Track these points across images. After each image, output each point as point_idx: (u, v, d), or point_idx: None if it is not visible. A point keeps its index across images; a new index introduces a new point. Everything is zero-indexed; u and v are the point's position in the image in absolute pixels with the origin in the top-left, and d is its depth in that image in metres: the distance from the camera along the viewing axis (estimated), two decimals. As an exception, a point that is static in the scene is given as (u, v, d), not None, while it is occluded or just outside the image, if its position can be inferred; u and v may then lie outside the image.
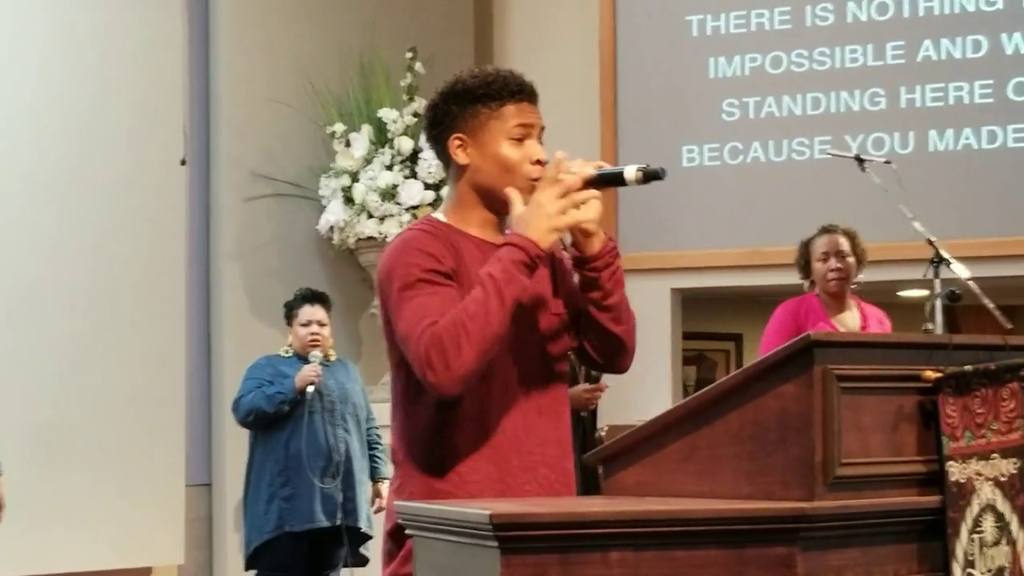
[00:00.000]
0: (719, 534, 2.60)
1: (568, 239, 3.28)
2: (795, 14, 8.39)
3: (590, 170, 3.15)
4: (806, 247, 6.52)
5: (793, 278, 6.74)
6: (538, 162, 3.21)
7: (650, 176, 3.13)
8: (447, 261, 3.13)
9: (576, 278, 3.31)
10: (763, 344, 6.50)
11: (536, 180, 3.18)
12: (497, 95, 3.22)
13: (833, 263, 6.38)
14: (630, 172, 3.14)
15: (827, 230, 6.48)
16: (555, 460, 3.24)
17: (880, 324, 6.54)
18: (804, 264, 6.53)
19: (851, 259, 6.40)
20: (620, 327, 3.31)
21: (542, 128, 3.28)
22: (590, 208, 3.17)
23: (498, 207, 3.25)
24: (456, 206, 3.27)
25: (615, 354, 3.35)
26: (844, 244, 6.40)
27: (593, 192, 3.15)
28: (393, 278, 3.13)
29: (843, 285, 6.39)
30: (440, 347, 2.98)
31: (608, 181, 3.20)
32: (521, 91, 3.24)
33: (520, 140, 3.22)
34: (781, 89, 8.37)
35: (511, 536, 2.52)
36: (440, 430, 3.16)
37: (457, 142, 3.23)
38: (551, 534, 2.54)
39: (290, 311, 7.05)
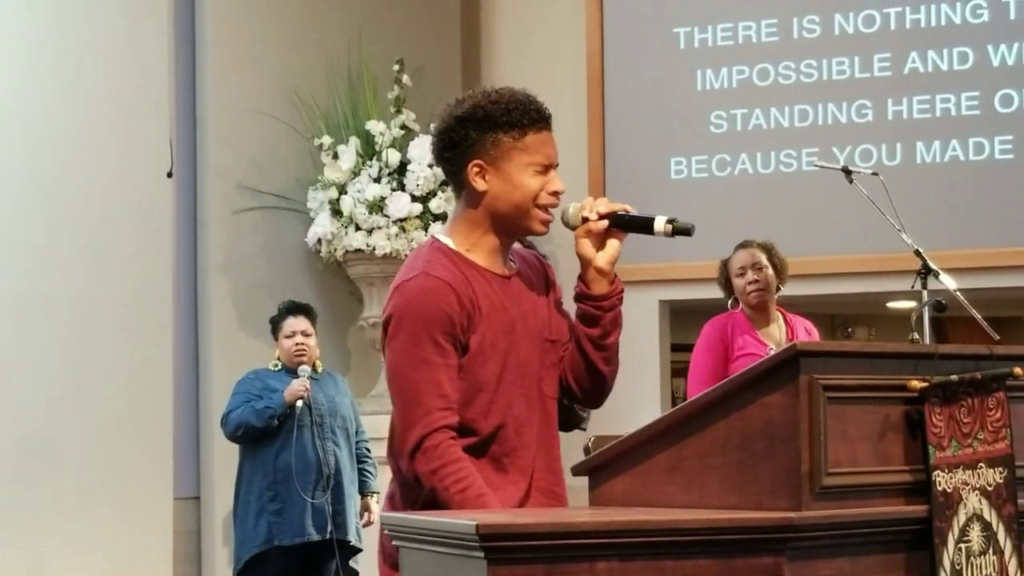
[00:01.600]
0: (707, 544, 2.60)
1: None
2: (782, 26, 8.40)
3: (616, 208, 3.23)
4: (725, 265, 6.54)
5: (781, 291, 6.75)
6: (555, 193, 3.24)
7: (679, 231, 3.17)
8: (460, 318, 3.15)
9: (575, 311, 3.35)
10: (692, 362, 6.46)
11: (546, 212, 3.24)
12: (518, 123, 3.22)
13: (750, 275, 6.39)
14: (659, 224, 3.19)
15: (742, 245, 6.50)
16: (548, 485, 3.28)
17: (808, 334, 6.54)
18: (725, 282, 6.54)
19: (768, 271, 6.40)
20: (608, 368, 3.36)
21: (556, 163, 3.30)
22: (610, 247, 3.24)
23: (510, 234, 3.29)
24: (466, 230, 3.28)
25: (596, 392, 3.39)
26: (760, 257, 6.41)
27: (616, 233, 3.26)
28: (406, 326, 3.16)
29: (763, 296, 6.39)
30: (427, 459, 3.11)
31: (635, 227, 3.25)
32: (540, 119, 3.25)
33: (541, 172, 3.23)
34: (768, 101, 8.37)
35: (498, 547, 2.52)
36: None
37: (476, 169, 3.22)
38: (538, 544, 2.54)
39: (275, 325, 7.05)
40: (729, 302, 6.52)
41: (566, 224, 3.28)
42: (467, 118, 3.24)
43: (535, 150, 3.22)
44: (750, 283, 6.37)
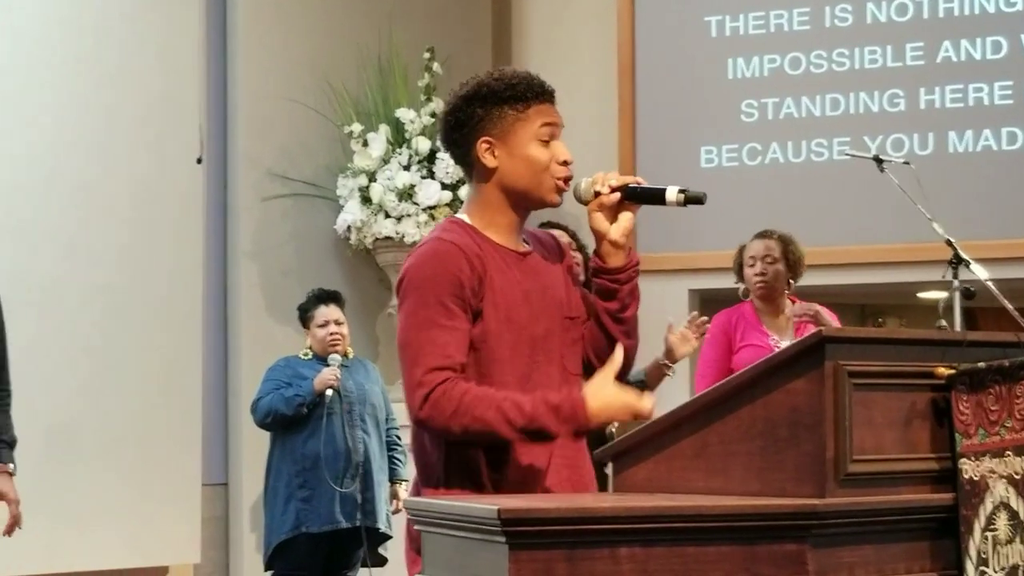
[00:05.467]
0: (730, 530, 2.59)
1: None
2: (814, 15, 8.36)
3: (628, 180, 3.25)
4: (741, 252, 6.40)
5: (810, 279, 6.69)
6: (564, 163, 3.26)
7: (691, 200, 3.17)
8: (470, 281, 3.16)
9: (593, 287, 3.37)
10: (700, 356, 6.35)
11: (561, 180, 3.24)
12: (522, 97, 3.26)
13: (759, 267, 6.23)
14: (671, 193, 3.19)
15: (761, 235, 6.32)
16: (575, 461, 3.27)
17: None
18: (738, 268, 6.42)
19: (779, 265, 6.22)
20: (629, 341, 3.37)
21: (561, 127, 3.32)
22: (623, 220, 3.25)
23: (525, 208, 3.31)
24: (481, 209, 3.30)
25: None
26: (774, 249, 6.23)
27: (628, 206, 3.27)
28: (414, 288, 3.18)
29: (765, 290, 6.24)
30: (441, 407, 3.08)
31: (647, 198, 3.27)
32: (544, 92, 3.29)
33: (547, 141, 3.26)
34: (800, 90, 8.34)
35: (519, 531, 2.51)
36: None
37: (485, 145, 3.26)
38: (560, 529, 2.53)
39: (305, 313, 7.05)
40: (741, 289, 6.42)
41: (578, 199, 3.30)
42: (472, 96, 3.28)
43: (539, 121, 3.25)
44: (756, 275, 6.26)
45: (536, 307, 3.24)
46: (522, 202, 3.28)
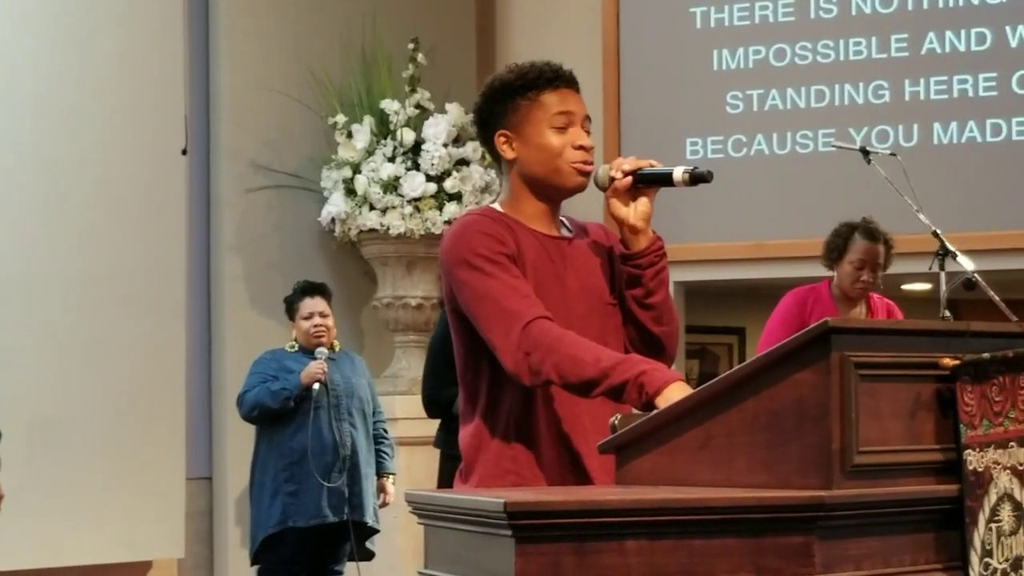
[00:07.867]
0: (736, 523, 2.57)
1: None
2: (799, 6, 8.36)
3: (642, 164, 3.24)
4: (845, 241, 6.39)
5: (796, 271, 6.70)
6: (581, 148, 3.25)
7: (697, 179, 3.19)
8: (508, 242, 3.18)
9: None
10: (765, 331, 6.42)
11: (578, 165, 3.24)
12: (533, 84, 3.27)
13: (866, 275, 6.30)
14: (678, 173, 3.21)
15: (871, 236, 6.36)
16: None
17: (889, 315, 6.50)
18: (834, 253, 6.39)
19: (880, 272, 6.34)
20: (660, 328, 3.35)
21: (587, 118, 3.32)
22: (641, 204, 3.25)
23: (550, 196, 3.31)
24: (509, 199, 3.32)
25: (653, 356, 3.29)
26: (881, 255, 6.32)
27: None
28: (460, 265, 3.17)
29: (865, 295, 6.35)
30: (544, 352, 3.03)
31: (655, 180, 3.27)
32: (557, 78, 3.29)
33: (563, 128, 3.26)
34: (785, 81, 8.33)
35: (526, 525, 2.49)
36: (512, 413, 3.19)
37: (502, 138, 3.28)
38: (566, 522, 2.51)
39: (291, 306, 7.02)
40: (834, 270, 6.39)
41: (598, 186, 3.30)
42: (489, 93, 3.32)
43: (551, 107, 3.25)
44: (862, 281, 6.30)
45: (571, 290, 3.24)
46: (544, 190, 3.28)
